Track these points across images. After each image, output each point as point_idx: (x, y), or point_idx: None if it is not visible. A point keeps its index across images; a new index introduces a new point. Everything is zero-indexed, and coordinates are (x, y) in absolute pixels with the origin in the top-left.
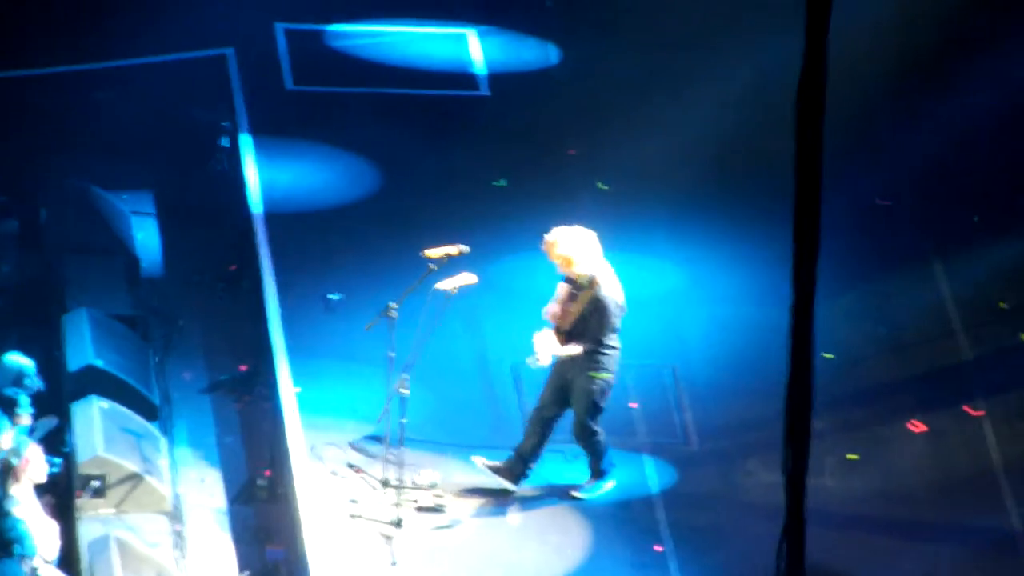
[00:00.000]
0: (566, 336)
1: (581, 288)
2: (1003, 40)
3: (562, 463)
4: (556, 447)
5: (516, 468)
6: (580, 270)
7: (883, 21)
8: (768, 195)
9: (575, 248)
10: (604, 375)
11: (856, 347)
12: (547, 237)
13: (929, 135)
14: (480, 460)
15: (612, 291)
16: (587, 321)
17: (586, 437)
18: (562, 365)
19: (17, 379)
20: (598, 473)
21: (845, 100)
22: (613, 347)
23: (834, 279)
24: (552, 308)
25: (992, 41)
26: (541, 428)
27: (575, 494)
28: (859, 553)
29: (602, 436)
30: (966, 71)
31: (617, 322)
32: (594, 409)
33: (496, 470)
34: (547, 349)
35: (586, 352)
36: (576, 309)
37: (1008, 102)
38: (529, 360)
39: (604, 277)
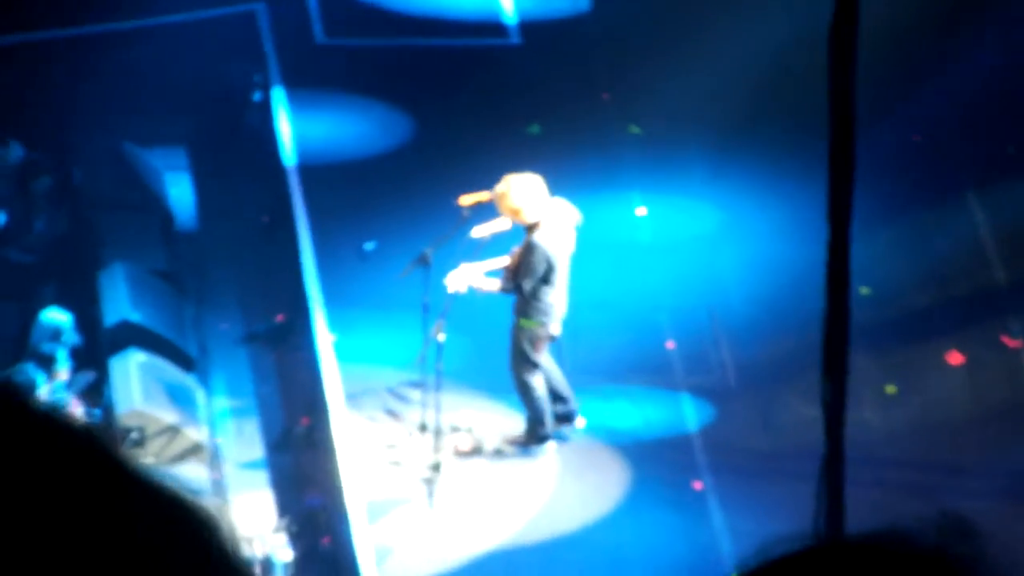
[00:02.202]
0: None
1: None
2: None
3: (602, 403)
4: (603, 386)
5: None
6: (521, 217)
7: None
8: (805, 133)
9: (522, 198)
10: (531, 323)
11: (893, 282)
12: (496, 189)
13: (968, 70)
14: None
15: (547, 240)
16: (518, 265)
17: (518, 388)
18: None
19: (54, 335)
20: (533, 436)
21: (882, 37)
22: (546, 300)
23: (871, 215)
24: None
25: None
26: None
27: (505, 447)
28: (898, 486)
29: (538, 395)
30: (1007, 7)
31: (547, 275)
32: (520, 357)
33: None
34: (463, 278)
35: (518, 297)
36: (516, 252)
37: None
38: (444, 284)
39: (545, 226)
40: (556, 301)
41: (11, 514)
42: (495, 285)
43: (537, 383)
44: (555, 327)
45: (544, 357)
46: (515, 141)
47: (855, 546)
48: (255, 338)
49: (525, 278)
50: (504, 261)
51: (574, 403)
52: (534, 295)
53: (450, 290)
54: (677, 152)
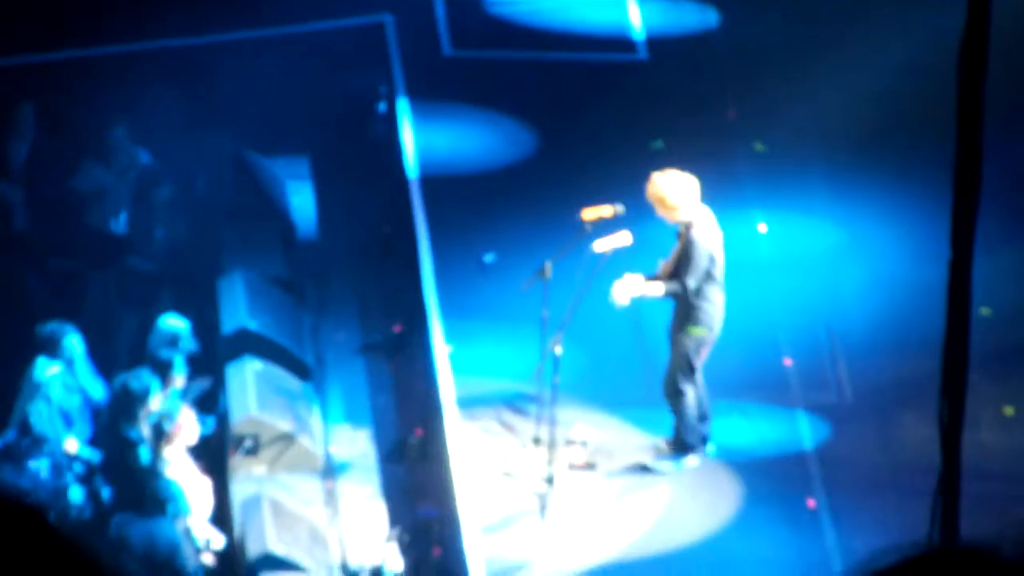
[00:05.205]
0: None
1: (679, 234)
2: None
3: (718, 419)
4: (718, 402)
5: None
6: (677, 215)
7: None
8: (929, 153)
9: (671, 190)
10: (700, 330)
11: (1014, 303)
12: (649, 185)
13: None
14: (660, 442)
15: (705, 237)
16: (678, 266)
17: (671, 395)
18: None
19: (172, 341)
20: (680, 444)
21: (1010, 60)
22: (710, 301)
23: (992, 235)
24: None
25: None
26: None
27: (649, 465)
28: (1015, 507)
29: (690, 403)
30: None
31: (710, 270)
32: (684, 365)
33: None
34: (626, 290)
35: (681, 304)
36: (673, 256)
37: None
38: (610, 300)
39: (699, 223)
40: (719, 302)
41: None
42: (660, 288)
43: (691, 392)
44: (716, 332)
45: (699, 370)
46: (639, 156)
47: (958, 554)
48: (372, 348)
49: (689, 276)
50: (664, 268)
51: (710, 426)
52: (699, 294)
53: (616, 302)
54: (801, 169)
